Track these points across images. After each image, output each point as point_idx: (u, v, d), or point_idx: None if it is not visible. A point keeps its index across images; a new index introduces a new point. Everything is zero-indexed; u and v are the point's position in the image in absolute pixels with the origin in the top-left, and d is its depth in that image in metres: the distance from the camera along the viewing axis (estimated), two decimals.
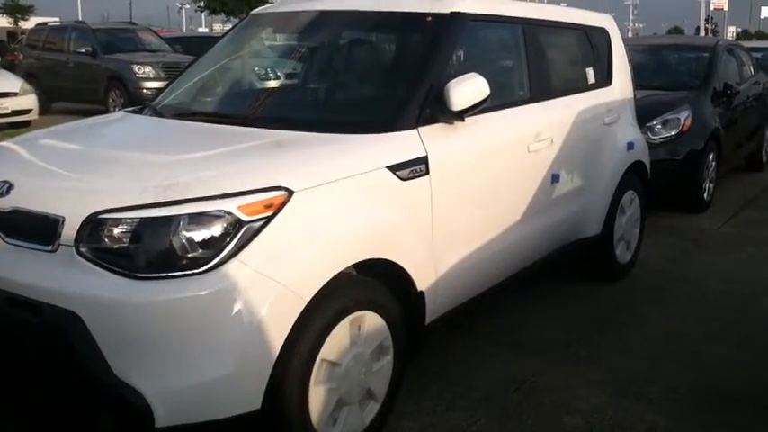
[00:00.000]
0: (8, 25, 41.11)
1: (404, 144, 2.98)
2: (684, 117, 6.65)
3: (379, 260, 2.81)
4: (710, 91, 7.14)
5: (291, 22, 3.97)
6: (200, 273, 2.32)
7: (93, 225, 2.37)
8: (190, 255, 2.33)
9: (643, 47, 8.15)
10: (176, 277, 2.32)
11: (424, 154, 3.02)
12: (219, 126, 3.15)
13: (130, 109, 3.76)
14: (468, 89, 3.12)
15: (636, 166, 4.90)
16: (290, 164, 2.65)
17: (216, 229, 2.36)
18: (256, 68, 3.93)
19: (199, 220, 2.35)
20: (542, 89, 3.96)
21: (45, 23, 17.13)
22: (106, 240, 2.36)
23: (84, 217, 2.37)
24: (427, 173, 3.03)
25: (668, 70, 7.85)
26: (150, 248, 2.34)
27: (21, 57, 17.31)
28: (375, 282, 2.83)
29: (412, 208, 2.97)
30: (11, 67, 16.28)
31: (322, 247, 2.56)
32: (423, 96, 3.14)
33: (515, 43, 3.89)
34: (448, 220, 3.15)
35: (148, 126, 3.35)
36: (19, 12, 42.98)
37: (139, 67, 13.94)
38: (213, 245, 2.35)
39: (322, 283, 2.52)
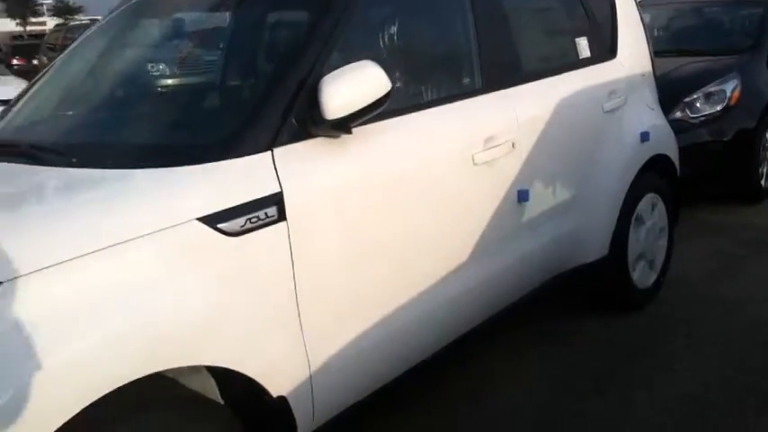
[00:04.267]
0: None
1: (239, 178, 1.97)
2: (732, 88, 5.37)
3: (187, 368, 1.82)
4: (765, 55, 5.80)
5: (145, 7, 2.92)
6: None
7: None
8: None
9: (682, 4, 6.82)
10: None
11: (275, 190, 2.00)
12: None
13: None
14: (351, 86, 2.09)
15: (657, 161, 3.75)
16: (4, 234, 1.66)
17: None
18: (82, 75, 2.88)
19: None
20: (503, 73, 2.87)
21: (64, 24, 16.65)
22: None
23: None
24: (281, 219, 2.01)
25: (713, 31, 6.46)
26: None
27: (44, 59, 16.89)
28: (181, 401, 1.84)
29: (251, 277, 1.95)
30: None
31: (51, 373, 1.56)
32: (284, 101, 2.12)
33: (457, 10, 2.80)
34: (327, 286, 2.13)
35: None
36: (69, 13, 43.25)
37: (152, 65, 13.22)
38: None
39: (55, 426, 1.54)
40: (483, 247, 2.68)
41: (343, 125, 2.12)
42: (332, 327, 2.15)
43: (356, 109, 2.11)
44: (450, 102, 2.62)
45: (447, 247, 2.56)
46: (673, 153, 3.91)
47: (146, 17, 2.81)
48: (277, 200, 2.00)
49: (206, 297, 1.85)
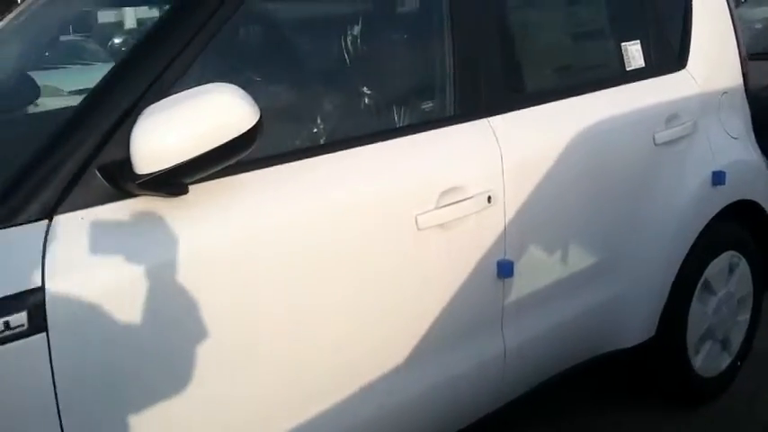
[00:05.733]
0: None
1: None
2: None
3: None
4: None
5: None
6: None
7: None
8: None
9: None
10: None
11: (31, 285, 1.29)
12: None
13: None
14: (180, 122, 1.35)
15: (738, 209, 2.77)
16: None
17: None
18: None
19: None
20: (490, 92, 2.01)
21: None
22: None
23: None
24: (37, 330, 1.29)
25: None
26: None
27: None
28: None
29: None
30: None
31: None
32: (82, 141, 1.40)
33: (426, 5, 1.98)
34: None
35: None
36: None
37: None
38: None
39: None
40: (423, 348, 1.85)
41: (170, 181, 1.38)
42: None
43: (188, 158, 1.36)
44: (390, 138, 1.80)
45: (364, 351, 1.75)
46: (763, 197, 2.90)
47: None
48: (32, 302, 1.28)
49: None
